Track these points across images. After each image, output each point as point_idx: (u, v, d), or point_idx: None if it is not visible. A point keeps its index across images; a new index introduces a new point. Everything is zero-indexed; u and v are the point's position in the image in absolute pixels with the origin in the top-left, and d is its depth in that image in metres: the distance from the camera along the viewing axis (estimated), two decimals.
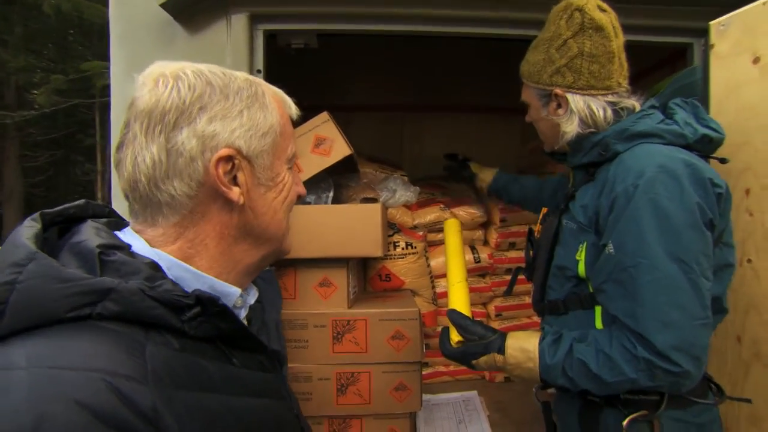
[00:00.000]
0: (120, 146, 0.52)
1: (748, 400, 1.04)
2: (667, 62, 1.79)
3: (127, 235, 0.54)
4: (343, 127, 1.47)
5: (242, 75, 0.57)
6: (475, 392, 1.78)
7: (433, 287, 1.88)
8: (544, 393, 1.15)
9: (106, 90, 11.37)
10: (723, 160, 0.95)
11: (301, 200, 1.44)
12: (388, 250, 1.74)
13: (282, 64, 1.90)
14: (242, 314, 0.60)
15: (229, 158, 0.52)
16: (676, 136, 0.90)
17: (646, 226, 0.81)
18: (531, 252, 1.14)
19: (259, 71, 1.27)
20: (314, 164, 1.40)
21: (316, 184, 1.47)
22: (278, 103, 0.59)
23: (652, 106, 0.96)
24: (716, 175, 0.87)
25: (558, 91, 0.97)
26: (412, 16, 1.28)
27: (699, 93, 0.98)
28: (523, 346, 0.95)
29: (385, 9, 1.26)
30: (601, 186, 0.92)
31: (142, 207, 0.52)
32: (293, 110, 0.62)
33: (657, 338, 0.79)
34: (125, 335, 0.44)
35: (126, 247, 0.50)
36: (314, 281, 1.42)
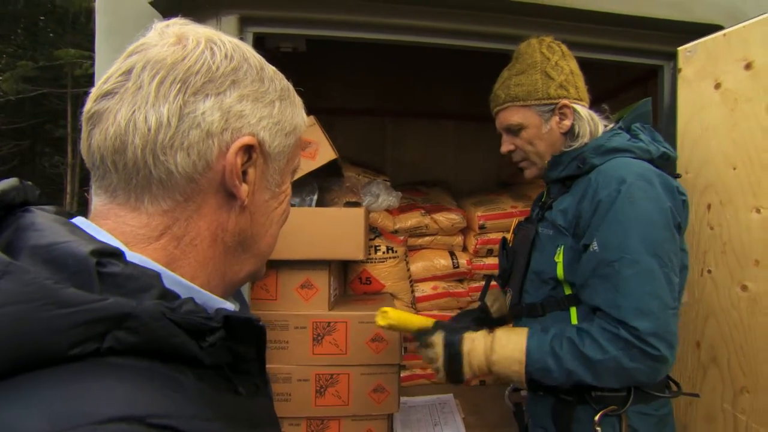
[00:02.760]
0: (106, 95, 0.41)
1: (696, 395, 1.16)
2: (640, 80, 1.88)
3: (96, 232, 0.41)
4: (327, 131, 1.49)
5: (271, 65, 0.50)
6: (450, 395, 1.82)
7: (413, 291, 1.91)
8: (516, 395, 1.20)
9: (80, 80, 10.98)
10: (676, 176, 1.06)
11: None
12: (369, 254, 1.76)
13: None
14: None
15: (248, 148, 0.44)
16: (643, 151, 1.01)
17: (628, 225, 0.91)
18: (506, 260, 1.19)
19: None
20: (300, 167, 1.42)
21: (300, 186, 1.48)
22: (301, 106, 0.53)
23: (620, 127, 1.07)
24: (680, 185, 0.99)
25: (566, 102, 1.05)
26: (396, 27, 1.31)
27: (650, 121, 1.11)
28: (512, 332, 1.04)
29: (372, 18, 1.29)
30: (580, 194, 1.00)
31: (125, 180, 0.41)
32: (305, 120, 0.56)
33: (638, 324, 0.87)
34: (148, 371, 0.34)
35: (120, 253, 0.38)
36: (296, 283, 1.43)
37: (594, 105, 1.16)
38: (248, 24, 1.27)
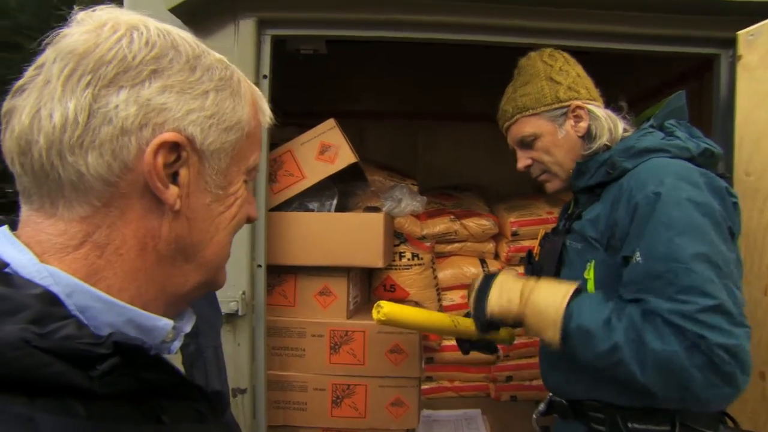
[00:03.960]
0: (18, 91, 0.38)
1: None
2: (690, 75, 1.71)
3: (2, 241, 0.38)
4: (358, 135, 1.45)
5: (217, 54, 0.46)
6: (478, 411, 1.72)
7: (439, 300, 1.84)
8: (545, 419, 1.10)
9: None
10: (723, 176, 0.92)
11: (303, 208, 1.43)
12: (393, 260, 1.71)
13: (294, 71, 1.90)
14: (174, 347, 0.47)
15: (175, 146, 0.40)
16: (681, 149, 0.90)
17: (674, 230, 0.79)
18: (532, 274, 1.10)
19: (265, 76, 1.27)
20: (319, 171, 1.39)
21: (320, 191, 1.45)
22: (252, 100, 0.48)
23: (651, 126, 0.96)
24: (729, 186, 0.87)
25: (578, 103, 0.99)
26: (420, 23, 1.26)
27: (686, 116, 0.98)
28: (566, 282, 0.90)
29: (393, 15, 1.24)
30: (611, 201, 0.90)
31: (36, 184, 0.38)
32: (267, 116, 0.51)
33: (707, 334, 0.73)
34: None
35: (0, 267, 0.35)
36: (314, 290, 1.40)
37: (635, 106, 1.06)
38: (266, 27, 1.26)
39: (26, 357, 0.31)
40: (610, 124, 0.98)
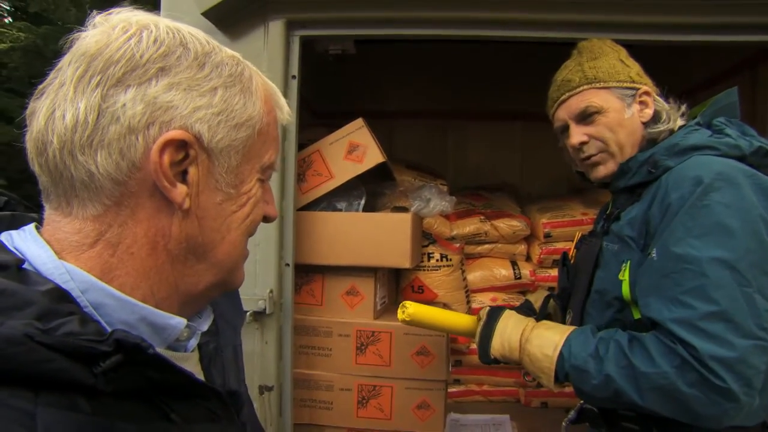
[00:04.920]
0: (39, 93, 0.40)
1: None
2: (742, 67, 1.60)
3: (25, 238, 0.39)
4: (387, 135, 1.44)
5: (230, 51, 0.45)
6: (507, 416, 1.68)
7: (468, 302, 1.80)
8: (575, 427, 1.05)
9: None
10: None
11: (331, 207, 1.44)
12: (422, 261, 1.69)
13: (323, 71, 1.91)
14: (191, 345, 0.47)
15: (182, 144, 0.39)
16: (730, 147, 0.84)
17: (696, 231, 0.76)
18: (567, 277, 1.06)
19: (294, 77, 1.28)
20: (347, 171, 1.39)
21: (348, 191, 1.45)
22: (266, 96, 0.47)
23: (698, 123, 0.91)
24: None
25: (647, 89, 0.96)
26: (448, 20, 1.23)
27: (738, 114, 0.92)
28: (559, 325, 0.96)
29: (421, 13, 1.22)
30: (650, 200, 0.87)
31: (53, 183, 0.39)
32: (285, 112, 0.49)
33: (698, 344, 0.72)
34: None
35: (13, 264, 0.36)
36: (341, 289, 1.40)
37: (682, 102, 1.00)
38: (295, 28, 1.27)
39: (29, 352, 0.31)
40: (673, 116, 0.95)
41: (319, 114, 2.12)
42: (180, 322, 0.42)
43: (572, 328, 0.92)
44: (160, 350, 0.40)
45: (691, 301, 0.74)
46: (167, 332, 0.42)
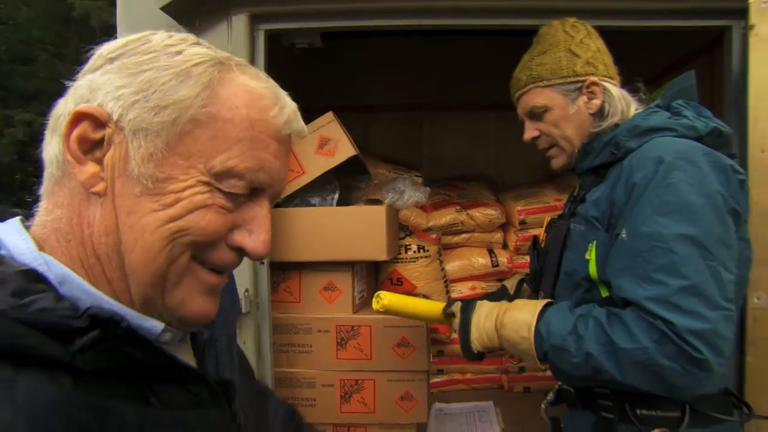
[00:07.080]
0: None
1: None
2: (699, 53, 1.65)
3: (7, 230, 0.39)
4: (363, 129, 1.43)
5: (205, 48, 0.42)
6: (491, 403, 1.70)
7: (448, 292, 1.81)
8: (554, 409, 1.08)
9: None
10: (732, 155, 0.90)
11: (304, 203, 1.42)
12: (399, 253, 1.69)
13: (297, 66, 1.89)
14: (174, 342, 0.44)
15: (96, 123, 0.38)
16: (687, 128, 0.87)
17: (663, 210, 0.79)
18: (538, 260, 1.08)
19: None
20: (319, 165, 1.38)
21: (321, 185, 1.44)
22: (236, 93, 0.41)
23: (657, 106, 0.94)
24: (735, 164, 0.85)
25: (594, 79, 0.96)
26: (414, 10, 1.23)
27: (695, 96, 0.96)
28: (533, 301, 0.97)
29: (387, 3, 1.21)
30: (614, 180, 0.89)
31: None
32: (278, 118, 0.43)
33: (675, 319, 0.74)
34: None
35: None
36: (319, 285, 1.39)
37: (648, 86, 1.03)
38: (259, 21, 1.24)
39: (3, 327, 0.31)
40: (623, 105, 0.96)
41: None
42: (155, 326, 0.40)
43: (543, 302, 0.93)
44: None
45: (663, 278, 0.76)
46: (141, 333, 0.39)
